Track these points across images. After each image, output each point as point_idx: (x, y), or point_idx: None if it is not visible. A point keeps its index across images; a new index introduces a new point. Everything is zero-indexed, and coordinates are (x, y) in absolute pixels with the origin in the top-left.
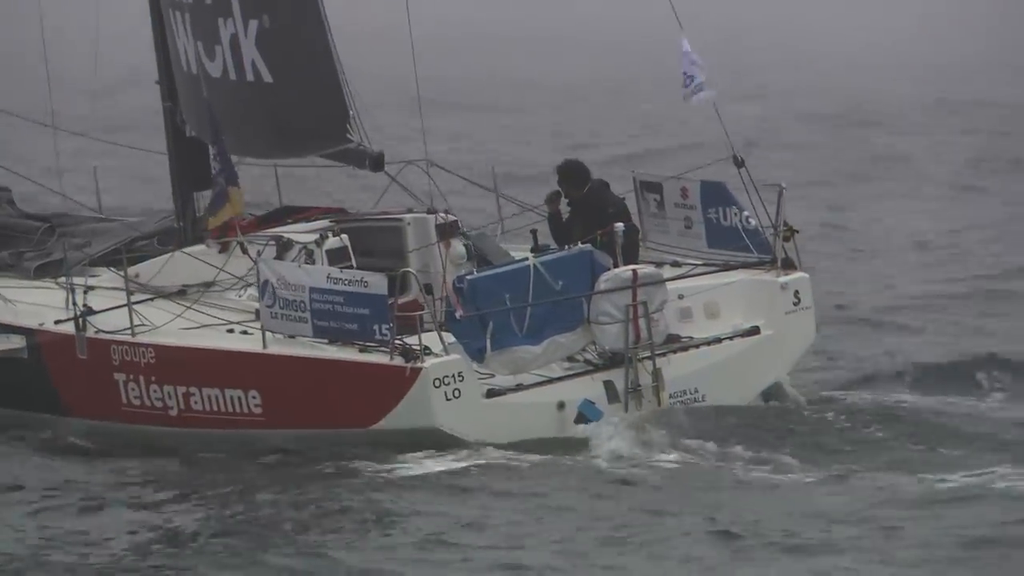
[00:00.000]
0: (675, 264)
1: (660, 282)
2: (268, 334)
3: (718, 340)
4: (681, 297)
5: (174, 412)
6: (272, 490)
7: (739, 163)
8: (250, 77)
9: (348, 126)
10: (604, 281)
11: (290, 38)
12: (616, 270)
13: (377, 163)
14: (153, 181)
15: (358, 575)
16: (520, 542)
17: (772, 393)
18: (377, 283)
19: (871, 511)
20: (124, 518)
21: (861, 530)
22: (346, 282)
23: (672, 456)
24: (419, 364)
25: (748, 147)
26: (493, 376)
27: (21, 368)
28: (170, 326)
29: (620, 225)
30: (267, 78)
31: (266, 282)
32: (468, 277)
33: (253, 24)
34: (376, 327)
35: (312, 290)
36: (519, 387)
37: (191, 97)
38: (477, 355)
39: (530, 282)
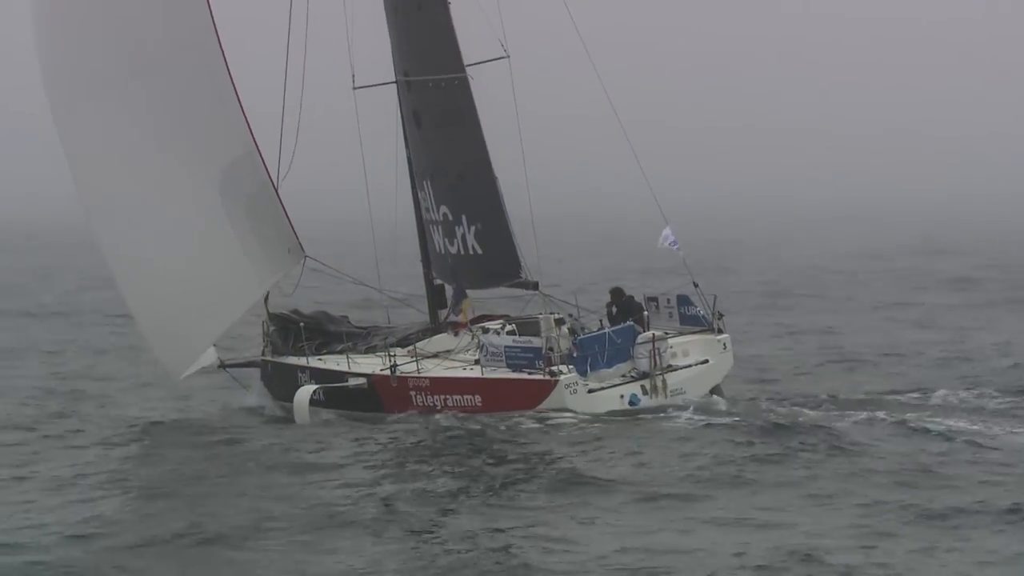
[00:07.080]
0: (666, 333)
1: (664, 339)
2: (484, 369)
3: (689, 366)
4: (671, 347)
5: (440, 407)
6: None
7: (695, 284)
8: (471, 252)
9: (519, 267)
10: (640, 340)
11: (491, 233)
12: (645, 334)
13: (536, 287)
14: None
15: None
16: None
17: (714, 391)
18: (535, 342)
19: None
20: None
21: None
22: (521, 343)
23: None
24: (557, 378)
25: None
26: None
27: (365, 392)
28: (436, 370)
29: (646, 313)
30: (479, 251)
31: (483, 345)
32: (579, 339)
33: (473, 227)
34: (537, 362)
35: (505, 347)
36: (603, 387)
37: (440, 263)
38: (584, 373)
39: (607, 340)
